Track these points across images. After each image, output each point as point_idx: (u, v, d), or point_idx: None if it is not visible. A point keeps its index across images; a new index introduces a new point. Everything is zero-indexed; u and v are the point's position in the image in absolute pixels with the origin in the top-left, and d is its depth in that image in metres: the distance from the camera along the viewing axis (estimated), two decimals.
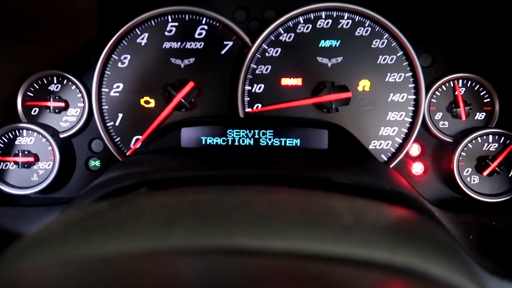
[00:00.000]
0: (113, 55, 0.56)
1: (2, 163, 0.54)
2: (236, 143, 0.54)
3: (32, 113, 0.56)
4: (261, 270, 0.21)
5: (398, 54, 0.55)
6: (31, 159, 0.54)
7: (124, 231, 0.24)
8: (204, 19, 0.56)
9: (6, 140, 0.54)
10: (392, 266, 0.22)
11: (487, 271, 0.35)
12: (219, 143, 0.54)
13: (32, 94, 0.56)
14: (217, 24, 0.56)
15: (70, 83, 0.57)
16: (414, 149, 0.57)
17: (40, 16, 0.52)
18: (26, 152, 0.54)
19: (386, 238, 0.25)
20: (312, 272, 0.21)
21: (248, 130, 0.53)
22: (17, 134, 0.55)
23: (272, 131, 0.53)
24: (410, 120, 0.55)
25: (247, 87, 0.56)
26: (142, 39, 0.56)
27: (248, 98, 0.56)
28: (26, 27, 0.51)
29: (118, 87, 0.57)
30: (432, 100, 0.56)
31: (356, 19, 0.55)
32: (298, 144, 0.54)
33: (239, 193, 0.31)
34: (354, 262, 0.22)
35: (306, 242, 0.24)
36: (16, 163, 0.54)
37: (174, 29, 0.56)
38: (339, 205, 0.30)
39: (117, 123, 0.57)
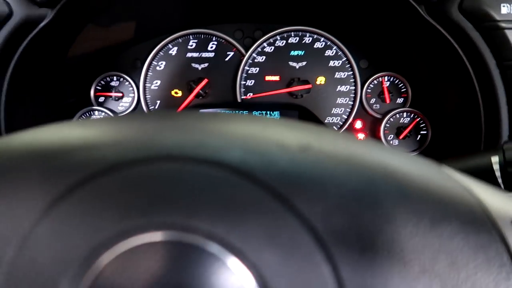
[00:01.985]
0: (153, 62, 0.82)
1: None
2: None
3: (100, 100, 0.83)
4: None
5: (343, 59, 0.79)
6: None
7: None
8: (214, 37, 0.82)
9: (84, 118, 0.81)
10: None
11: None
12: None
13: (100, 88, 0.83)
14: (223, 40, 0.82)
15: (125, 80, 0.83)
16: (358, 124, 0.82)
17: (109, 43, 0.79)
18: None
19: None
20: None
21: (243, 111, 0.79)
22: (91, 114, 0.82)
23: (260, 111, 0.79)
24: (352, 103, 0.81)
25: (243, 82, 0.79)
26: (173, 51, 0.82)
27: (244, 89, 0.80)
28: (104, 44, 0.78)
29: (156, 83, 0.83)
30: (368, 90, 0.80)
31: (314, 37, 0.79)
32: None
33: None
34: None
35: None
36: None
37: (194, 44, 0.83)
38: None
39: (156, 107, 0.83)
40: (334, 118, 0.80)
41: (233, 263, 0.18)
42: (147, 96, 0.82)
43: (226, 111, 0.76)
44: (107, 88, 0.81)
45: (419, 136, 0.78)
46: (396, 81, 0.79)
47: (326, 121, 0.80)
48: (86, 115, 0.80)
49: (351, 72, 0.80)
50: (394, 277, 0.18)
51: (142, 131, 0.23)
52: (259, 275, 0.18)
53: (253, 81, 0.81)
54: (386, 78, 0.80)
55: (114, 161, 0.20)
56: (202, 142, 0.21)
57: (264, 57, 0.80)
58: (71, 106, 0.78)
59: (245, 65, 0.80)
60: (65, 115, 0.77)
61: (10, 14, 0.49)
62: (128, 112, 0.78)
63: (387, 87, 0.79)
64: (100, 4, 0.59)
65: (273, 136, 0.22)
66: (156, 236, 0.19)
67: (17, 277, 0.20)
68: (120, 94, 0.82)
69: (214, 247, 0.18)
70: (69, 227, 0.20)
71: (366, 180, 0.20)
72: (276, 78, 0.80)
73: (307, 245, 0.18)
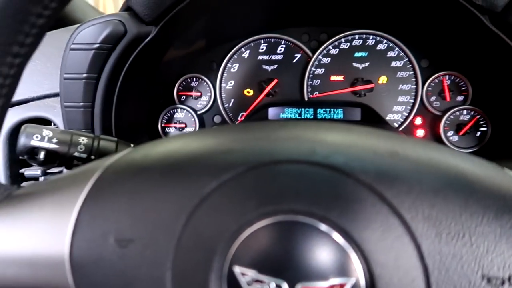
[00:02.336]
0: (228, 64, 0.92)
1: (167, 128, 0.93)
2: (302, 117, 0.87)
3: (182, 99, 0.94)
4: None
5: (405, 60, 0.84)
6: (182, 125, 0.92)
7: None
8: (283, 41, 0.89)
9: (169, 115, 0.92)
10: None
11: None
12: (291, 116, 0.88)
13: (182, 88, 0.94)
14: (291, 43, 0.89)
15: (202, 81, 0.93)
16: (418, 120, 0.87)
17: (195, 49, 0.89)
18: (179, 121, 0.93)
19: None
20: None
21: (310, 108, 0.87)
22: (174, 111, 0.93)
23: (325, 108, 0.86)
24: (413, 101, 0.86)
25: (309, 82, 0.87)
26: (245, 54, 0.91)
27: (310, 89, 0.87)
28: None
29: (231, 83, 0.92)
30: (428, 88, 0.85)
31: (377, 39, 0.84)
32: (342, 117, 0.86)
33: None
34: None
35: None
36: (174, 127, 0.93)
37: (264, 47, 0.91)
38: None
39: (230, 105, 0.93)
40: (395, 115, 0.86)
41: (340, 239, 0.26)
42: (222, 95, 0.91)
43: (299, 110, 0.84)
44: (188, 88, 0.92)
45: (479, 132, 0.81)
46: (457, 80, 0.83)
47: (387, 117, 0.86)
48: (171, 112, 0.91)
49: (412, 72, 0.84)
50: (463, 253, 0.25)
51: (271, 139, 0.31)
52: (360, 249, 0.26)
53: (319, 81, 0.88)
54: (446, 77, 0.83)
55: (252, 163, 0.29)
56: (315, 149, 0.29)
57: (329, 58, 0.87)
58: (161, 105, 0.89)
59: (311, 66, 0.87)
60: (156, 113, 0.88)
61: (125, 33, 0.60)
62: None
63: (447, 85, 0.83)
64: (192, 21, 0.69)
65: (368, 143, 0.30)
66: (284, 218, 0.27)
67: (183, 239, 0.29)
68: (199, 94, 0.92)
69: (326, 228, 0.26)
70: (222, 209, 0.29)
71: (442, 179, 0.27)
72: (341, 78, 0.87)
73: (396, 228, 0.25)
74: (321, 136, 0.31)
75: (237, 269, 0.27)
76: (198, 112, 0.91)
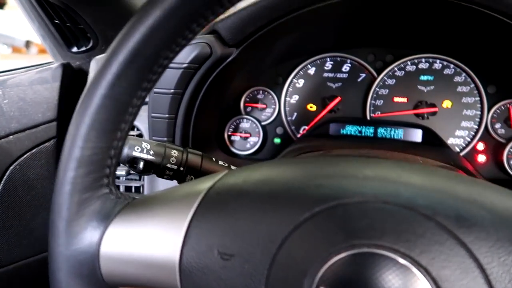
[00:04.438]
0: (294, 79, 0.97)
1: (232, 136, 0.99)
2: (362, 134, 0.90)
3: (247, 110, 1.00)
4: None
5: (471, 86, 0.85)
6: (247, 135, 0.98)
7: None
8: (349, 60, 0.93)
9: (235, 124, 0.99)
10: None
11: None
12: (351, 133, 0.91)
13: (248, 99, 1.00)
14: (356, 63, 0.92)
15: (268, 94, 0.99)
16: (480, 145, 0.87)
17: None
18: (244, 131, 0.99)
19: None
20: None
21: (371, 126, 0.89)
22: (240, 121, 0.99)
23: (386, 128, 0.88)
24: (477, 127, 0.87)
25: (373, 101, 0.90)
26: (311, 71, 0.95)
27: (373, 108, 0.90)
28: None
29: (295, 97, 0.97)
30: (494, 115, 0.85)
31: (444, 63, 0.85)
32: (401, 137, 0.88)
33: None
34: None
35: None
36: (240, 136, 0.99)
37: (330, 65, 0.94)
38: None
39: (293, 118, 0.97)
40: (458, 139, 0.87)
41: (420, 275, 0.30)
42: (286, 108, 0.96)
43: (360, 128, 0.87)
44: (254, 100, 0.97)
45: None
46: None
47: (449, 141, 0.87)
48: (237, 122, 0.97)
49: (478, 98, 0.85)
50: None
51: (359, 177, 0.35)
52: (438, 286, 0.29)
53: (382, 101, 0.90)
54: None
55: (342, 199, 0.34)
56: (399, 191, 0.33)
57: (394, 80, 0.89)
58: (228, 115, 0.95)
59: (376, 86, 0.90)
60: (223, 123, 0.95)
61: (210, 54, 0.66)
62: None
63: None
64: (269, 43, 0.74)
65: (450, 188, 0.33)
66: (369, 250, 0.31)
67: (278, 259, 0.34)
68: (264, 106, 0.97)
69: (407, 263, 0.30)
70: (314, 236, 0.33)
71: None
72: (404, 100, 0.89)
73: (473, 271, 0.29)
74: (405, 178, 0.35)
75: None
76: (262, 123, 0.96)
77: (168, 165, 0.55)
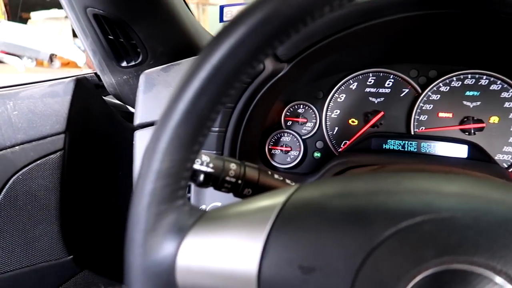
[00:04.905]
0: (335, 94, 0.97)
1: (273, 150, 1.00)
2: (405, 149, 0.89)
3: (288, 124, 1.01)
4: None
5: None
6: (288, 148, 0.98)
7: None
8: (391, 75, 0.93)
9: (276, 138, 0.99)
10: None
11: None
12: (394, 148, 0.90)
13: (288, 113, 1.01)
14: (399, 78, 0.92)
15: (309, 108, 0.99)
16: None
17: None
18: (285, 145, 0.99)
19: None
20: None
21: (415, 141, 0.89)
22: (281, 135, 0.99)
23: (429, 143, 0.87)
24: None
25: (417, 117, 0.90)
26: (353, 86, 0.95)
27: (417, 123, 0.89)
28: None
29: (336, 112, 0.97)
30: None
31: (491, 79, 0.84)
32: (446, 153, 0.87)
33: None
34: None
35: None
36: (280, 150, 0.99)
37: (372, 80, 0.94)
38: None
39: (334, 132, 0.98)
40: (505, 155, 0.85)
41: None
42: (327, 123, 0.96)
43: (403, 143, 0.86)
44: (295, 114, 0.98)
45: None
46: None
47: (496, 157, 0.85)
48: (278, 135, 0.97)
49: None
50: None
51: (444, 193, 0.35)
52: None
53: (426, 116, 0.89)
54: None
55: (431, 214, 0.33)
56: (491, 207, 0.33)
57: (439, 95, 0.89)
58: (269, 129, 0.96)
59: (420, 101, 0.89)
60: (265, 136, 0.95)
61: (263, 69, 0.67)
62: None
63: None
64: (318, 59, 0.75)
65: None
66: (461, 267, 0.31)
67: (361, 273, 0.34)
68: (305, 120, 0.98)
69: (502, 281, 0.30)
70: (401, 252, 0.33)
71: None
72: (449, 115, 0.88)
73: None
74: (492, 194, 0.35)
75: None
76: (303, 137, 0.97)
77: (227, 178, 0.56)
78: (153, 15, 0.76)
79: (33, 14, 6.77)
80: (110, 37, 0.78)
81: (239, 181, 0.57)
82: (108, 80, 0.90)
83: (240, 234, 0.38)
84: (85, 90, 0.86)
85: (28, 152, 0.81)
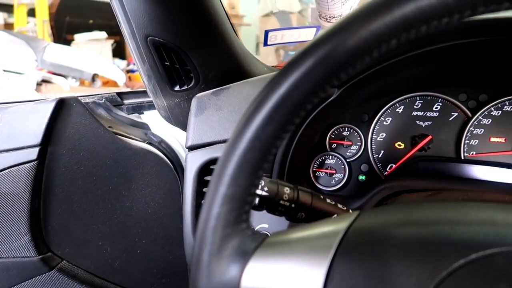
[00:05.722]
0: (381, 117, 0.97)
1: (317, 172, 1.00)
2: (456, 174, 0.87)
3: (332, 146, 1.01)
4: None
5: None
6: (333, 171, 0.99)
7: None
8: (439, 99, 0.92)
9: (320, 161, 1.00)
10: None
11: None
12: (444, 173, 0.89)
13: (333, 136, 1.01)
14: (448, 102, 0.92)
15: (354, 131, 0.99)
16: None
17: None
18: (330, 167, 0.99)
19: None
20: None
21: (465, 164, 0.87)
22: (326, 157, 1.00)
23: (482, 168, 0.85)
24: None
25: (467, 141, 0.88)
26: (399, 109, 0.95)
27: (467, 148, 0.88)
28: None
29: (382, 135, 0.97)
30: None
31: None
32: (498, 178, 0.84)
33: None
34: None
35: None
36: (325, 172, 1.00)
37: (420, 104, 0.94)
38: None
39: (379, 156, 0.97)
40: None
41: None
42: (372, 146, 0.96)
43: (453, 167, 0.85)
44: (339, 136, 0.98)
45: None
46: None
47: None
48: (322, 158, 0.98)
49: None
50: None
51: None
52: None
53: (477, 141, 0.88)
54: None
55: (503, 246, 0.33)
56: None
57: (490, 120, 0.87)
58: (314, 151, 0.97)
59: (470, 126, 0.88)
60: (310, 159, 0.96)
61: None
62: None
63: None
64: (366, 84, 0.76)
65: None
66: None
67: None
68: (350, 143, 0.98)
69: None
70: (470, 285, 0.33)
71: None
72: (502, 140, 0.86)
73: None
74: None
75: None
76: (348, 160, 0.97)
77: (281, 202, 0.57)
78: (208, 42, 0.80)
79: (76, 36, 7.14)
80: (166, 63, 0.82)
81: (293, 205, 0.58)
82: (160, 103, 0.94)
83: (303, 260, 0.39)
84: (68, 109, 0.93)
85: (4, 158, 0.90)
